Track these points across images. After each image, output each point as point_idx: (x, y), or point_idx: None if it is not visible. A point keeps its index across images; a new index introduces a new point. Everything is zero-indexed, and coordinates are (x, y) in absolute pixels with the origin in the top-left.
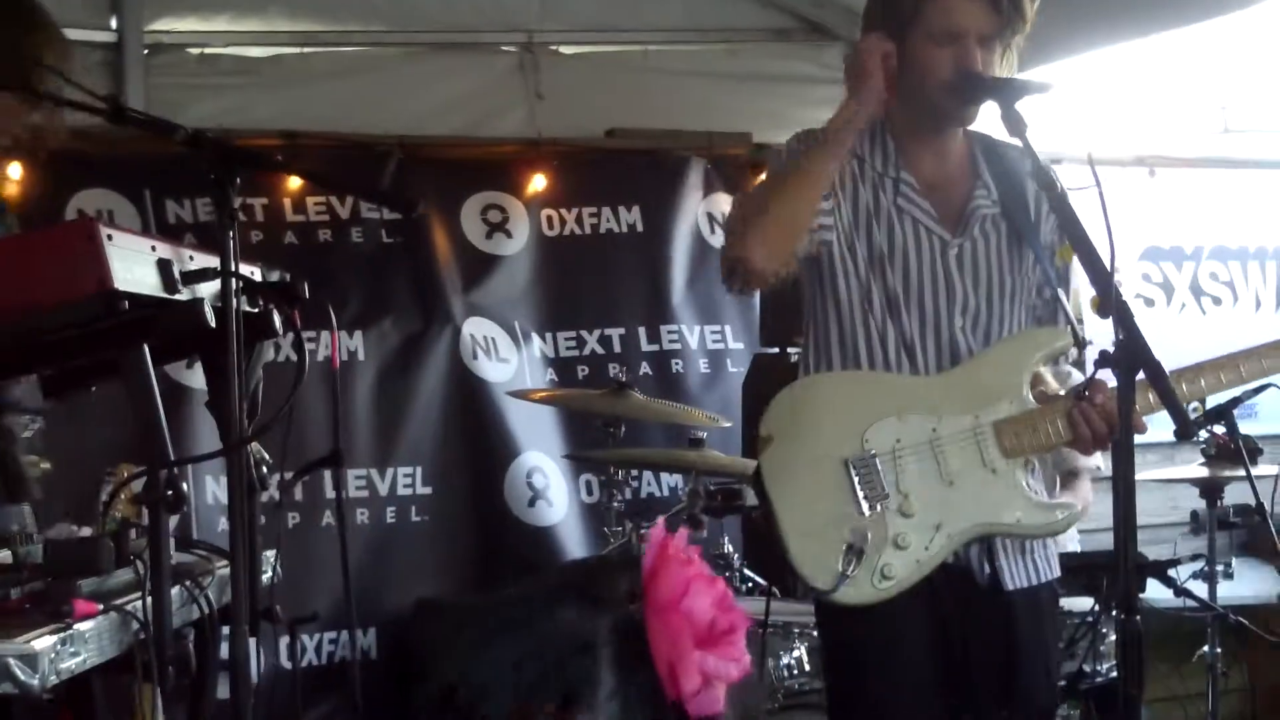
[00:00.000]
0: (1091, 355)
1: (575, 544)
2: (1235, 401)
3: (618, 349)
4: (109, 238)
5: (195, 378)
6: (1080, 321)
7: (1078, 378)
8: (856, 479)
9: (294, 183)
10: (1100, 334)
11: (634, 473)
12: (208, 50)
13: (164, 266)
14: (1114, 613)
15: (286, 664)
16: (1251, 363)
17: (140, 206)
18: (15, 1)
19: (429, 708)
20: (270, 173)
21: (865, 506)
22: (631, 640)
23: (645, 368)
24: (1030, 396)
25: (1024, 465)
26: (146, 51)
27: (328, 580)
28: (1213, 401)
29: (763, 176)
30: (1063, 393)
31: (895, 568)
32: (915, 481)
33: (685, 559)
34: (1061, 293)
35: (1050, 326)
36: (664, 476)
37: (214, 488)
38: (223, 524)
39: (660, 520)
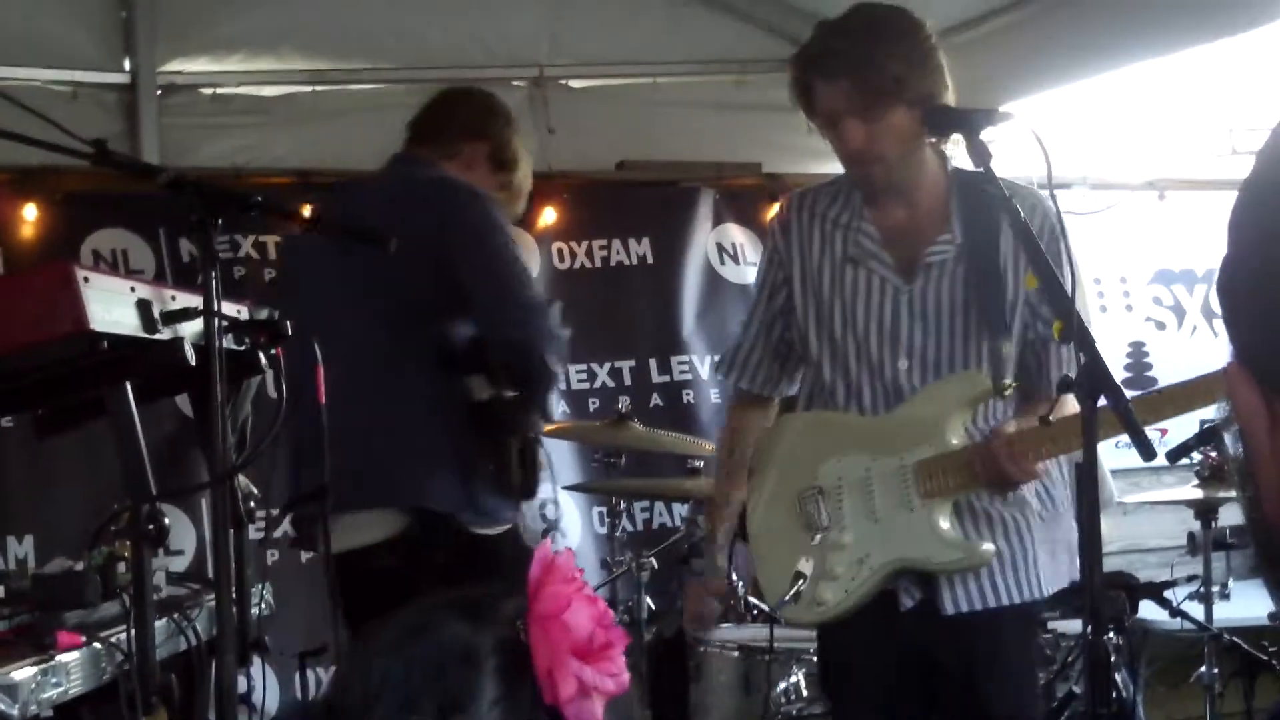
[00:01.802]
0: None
1: (589, 575)
2: (1228, 422)
3: (628, 381)
4: (85, 280)
5: None
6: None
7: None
8: (804, 511)
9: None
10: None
11: (643, 503)
12: (220, 90)
13: (143, 307)
14: (1110, 635)
15: (299, 696)
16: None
17: (154, 245)
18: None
19: None
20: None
21: (810, 537)
22: (516, 654)
23: (656, 399)
24: (952, 439)
25: (943, 505)
26: (160, 92)
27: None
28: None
29: None
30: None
31: (825, 596)
32: (849, 516)
33: (569, 576)
34: (1008, 339)
35: (971, 372)
36: (675, 507)
37: None
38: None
39: (546, 539)
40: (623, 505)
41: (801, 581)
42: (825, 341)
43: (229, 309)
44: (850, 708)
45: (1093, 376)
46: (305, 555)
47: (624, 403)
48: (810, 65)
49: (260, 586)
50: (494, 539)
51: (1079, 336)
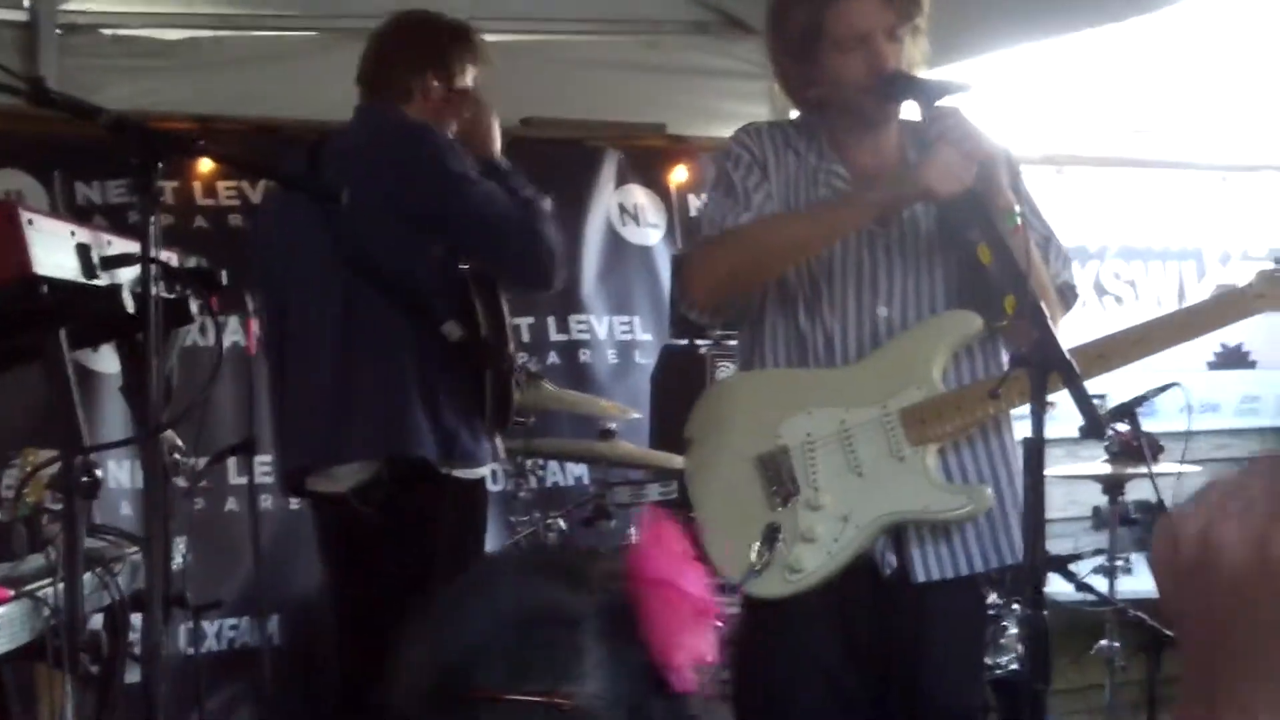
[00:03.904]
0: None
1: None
2: (1140, 400)
3: (526, 338)
4: (29, 222)
5: (102, 362)
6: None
7: None
8: (768, 475)
9: (205, 166)
10: None
11: (540, 462)
12: (122, 31)
13: (83, 251)
14: (1015, 606)
15: (188, 650)
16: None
17: (50, 188)
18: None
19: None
20: (192, 157)
21: (776, 501)
22: (618, 615)
23: (554, 357)
24: (939, 383)
25: (939, 452)
26: (60, 32)
27: (231, 566)
28: (1117, 399)
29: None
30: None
31: (804, 560)
32: (825, 474)
33: (678, 539)
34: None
35: (962, 311)
36: (569, 466)
37: (116, 472)
38: (124, 508)
39: (646, 505)
40: (529, 465)
41: (767, 550)
42: (806, 287)
43: (161, 255)
44: (788, 688)
45: (1044, 352)
46: (198, 506)
47: (524, 359)
48: None
49: (184, 542)
50: (469, 483)
51: (1031, 312)
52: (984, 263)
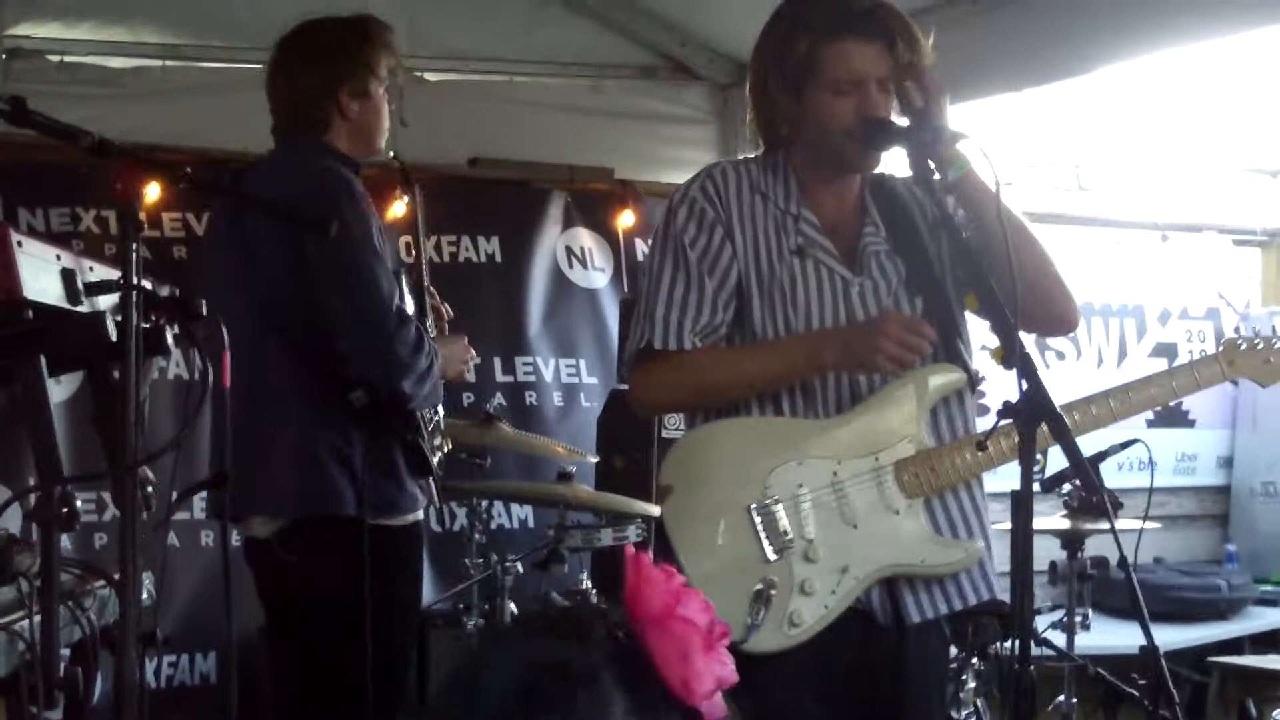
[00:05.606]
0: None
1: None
2: (1101, 455)
3: (473, 379)
4: (19, 244)
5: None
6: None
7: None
8: (760, 525)
9: (150, 195)
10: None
11: (487, 504)
12: (68, 58)
13: (68, 277)
14: (974, 660)
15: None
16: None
17: None
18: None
19: None
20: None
21: (770, 553)
22: (632, 661)
23: (500, 398)
24: (928, 436)
25: (926, 504)
26: (5, 56)
27: (172, 602)
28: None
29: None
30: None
31: (803, 614)
32: (819, 526)
33: (665, 573)
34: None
35: (942, 363)
36: (514, 508)
37: None
38: (65, 540)
39: (628, 544)
40: (482, 507)
41: (763, 604)
42: (778, 335)
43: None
44: None
45: (1034, 403)
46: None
47: (469, 399)
48: (855, 20)
49: (152, 578)
50: (397, 530)
51: (1020, 362)
52: (971, 309)
